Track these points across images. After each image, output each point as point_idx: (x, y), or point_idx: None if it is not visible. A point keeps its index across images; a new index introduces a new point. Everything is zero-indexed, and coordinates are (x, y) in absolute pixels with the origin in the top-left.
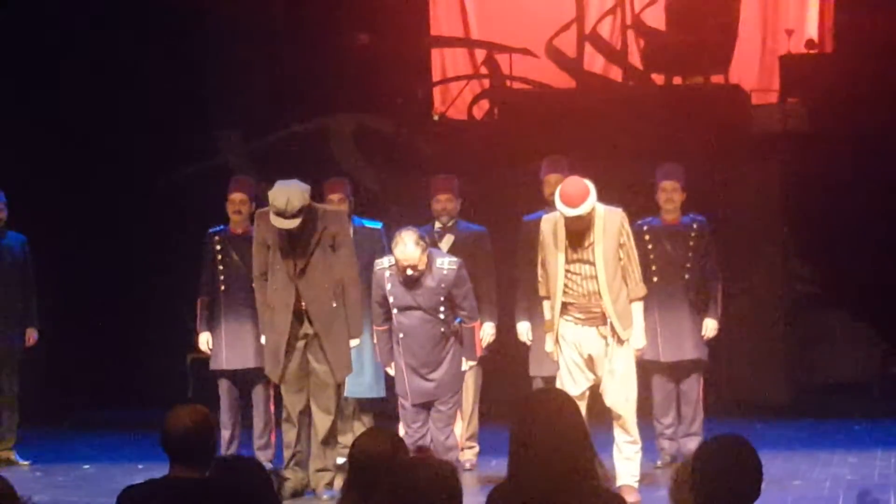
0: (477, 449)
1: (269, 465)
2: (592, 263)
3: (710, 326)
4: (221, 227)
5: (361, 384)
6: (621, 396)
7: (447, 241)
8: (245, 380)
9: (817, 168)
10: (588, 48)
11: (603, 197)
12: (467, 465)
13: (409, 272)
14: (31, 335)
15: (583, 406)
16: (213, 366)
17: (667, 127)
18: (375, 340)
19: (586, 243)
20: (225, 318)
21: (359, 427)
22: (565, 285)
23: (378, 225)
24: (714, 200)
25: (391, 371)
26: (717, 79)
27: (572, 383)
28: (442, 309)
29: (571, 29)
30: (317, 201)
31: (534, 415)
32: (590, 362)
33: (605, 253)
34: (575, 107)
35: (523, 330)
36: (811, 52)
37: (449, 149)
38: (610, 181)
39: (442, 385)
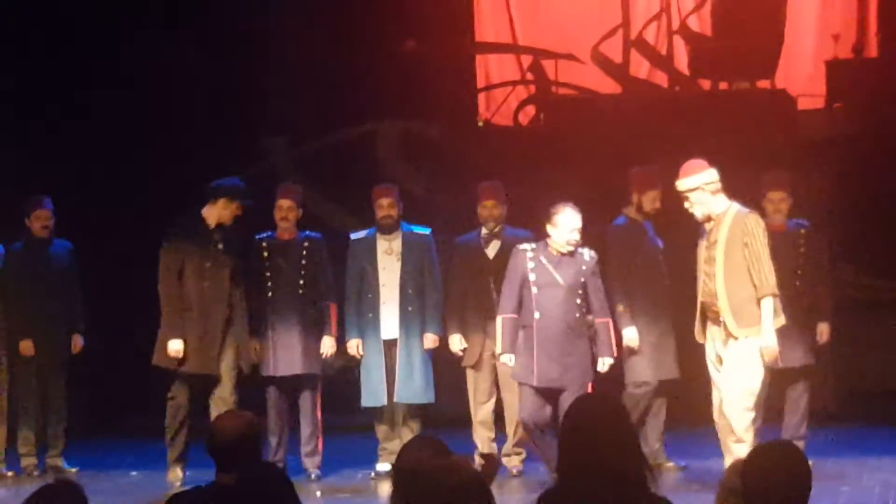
0: (524, 455)
1: (316, 472)
2: (715, 262)
3: (824, 331)
4: (268, 232)
5: (411, 389)
6: (728, 395)
7: (493, 247)
8: (292, 386)
9: (864, 173)
10: (634, 54)
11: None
12: (514, 472)
13: (573, 243)
14: (77, 342)
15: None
16: (263, 372)
17: (713, 132)
18: (501, 327)
19: (712, 241)
20: (272, 324)
21: (407, 433)
22: (703, 283)
23: (427, 231)
24: (760, 205)
25: (509, 361)
26: (763, 84)
27: (716, 374)
28: (580, 292)
29: (617, 35)
30: (366, 206)
31: (583, 420)
32: (719, 360)
33: (725, 252)
34: (621, 112)
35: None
36: (857, 57)
37: (495, 155)
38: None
39: (570, 373)
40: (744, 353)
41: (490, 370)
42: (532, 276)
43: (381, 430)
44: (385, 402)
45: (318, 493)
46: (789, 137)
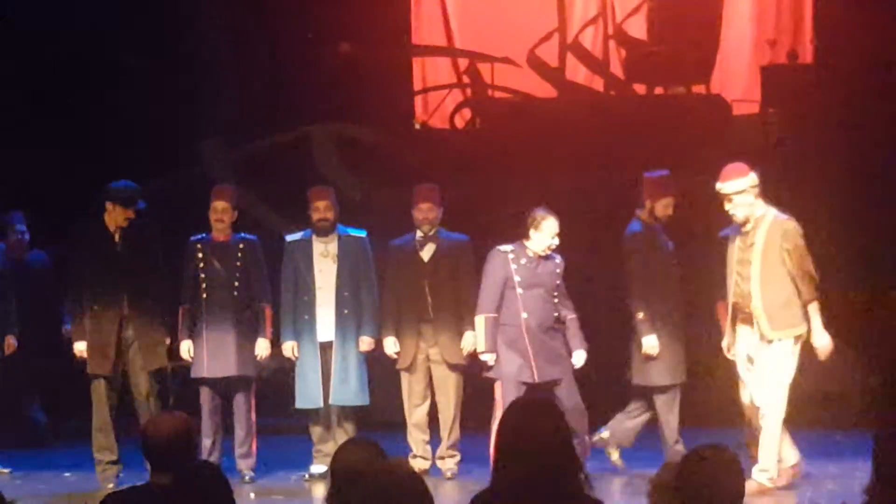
0: (458, 458)
1: (250, 474)
2: (751, 264)
3: None
4: (203, 234)
5: (346, 392)
6: (764, 396)
7: (429, 250)
8: (227, 388)
9: (796, 179)
10: (570, 58)
11: (583, 205)
12: (448, 474)
13: (552, 248)
14: (10, 343)
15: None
16: (194, 374)
17: (648, 136)
18: (484, 327)
19: (748, 244)
20: (206, 326)
21: (341, 435)
22: (735, 284)
23: (363, 233)
24: (695, 210)
25: (490, 359)
26: (698, 89)
27: (746, 373)
28: (556, 293)
29: (553, 38)
30: (302, 208)
31: (517, 424)
32: (749, 360)
33: (762, 256)
34: (557, 116)
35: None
36: (791, 63)
37: (431, 158)
38: (590, 190)
39: (563, 366)
40: (777, 354)
41: (424, 373)
42: (517, 278)
43: (316, 432)
44: (320, 404)
45: (252, 495)
46: (724, 142)
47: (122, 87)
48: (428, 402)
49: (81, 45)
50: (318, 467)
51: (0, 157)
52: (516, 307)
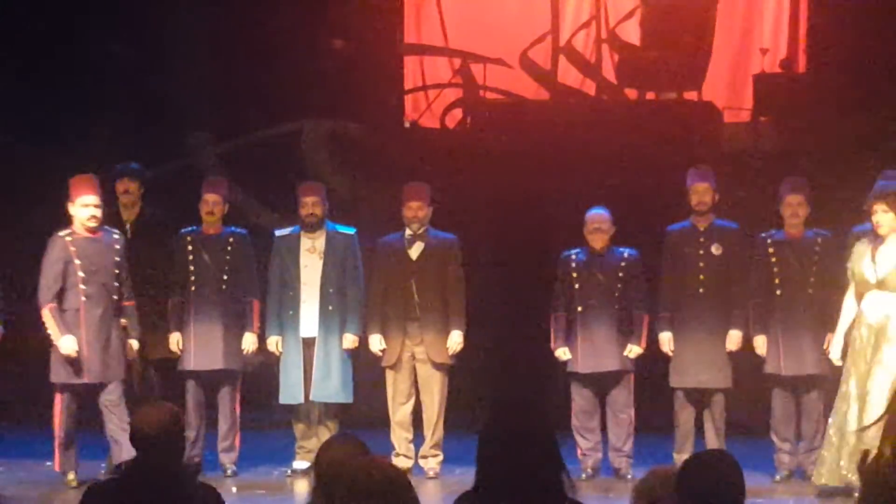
0: (441, 457)
1: (233, 468)
2: None
3: (831, 341)
4: (193, 227)
5: (327, 388)
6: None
7: (417, 249)
8: (212, 381)
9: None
10: (562, 61)
11: (569, 209)
12: (431, 474)
13: (597, 238)
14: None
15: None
16: (181, 366)
17: (639, 141)
18: (553, 325)
19: None
20: (195, 318)
21: (324, 432)
22: None
23: (352, 231)
24: (684, 217)
25: (563, 355)
26: (690, 95)
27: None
28: (619, 286)
29: (546, 41)
30: (292, 204)
31: (502, 425)
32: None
33: None
34: (548, 118)
35: (665, 339)
36: (784, 71)
37: (421, 157)
38: (581, 193)
39: (608, 358)
40: None
41: (409, 371)
42: (575, 275)
43: (299, 428)
44: (301, 399)
45: (234, 489)
46: (714, 149)
47: (113, 77)
48: (412, 401)
49: (69, 33)
50: (301, 463)
51: None
52: (575, 302)
